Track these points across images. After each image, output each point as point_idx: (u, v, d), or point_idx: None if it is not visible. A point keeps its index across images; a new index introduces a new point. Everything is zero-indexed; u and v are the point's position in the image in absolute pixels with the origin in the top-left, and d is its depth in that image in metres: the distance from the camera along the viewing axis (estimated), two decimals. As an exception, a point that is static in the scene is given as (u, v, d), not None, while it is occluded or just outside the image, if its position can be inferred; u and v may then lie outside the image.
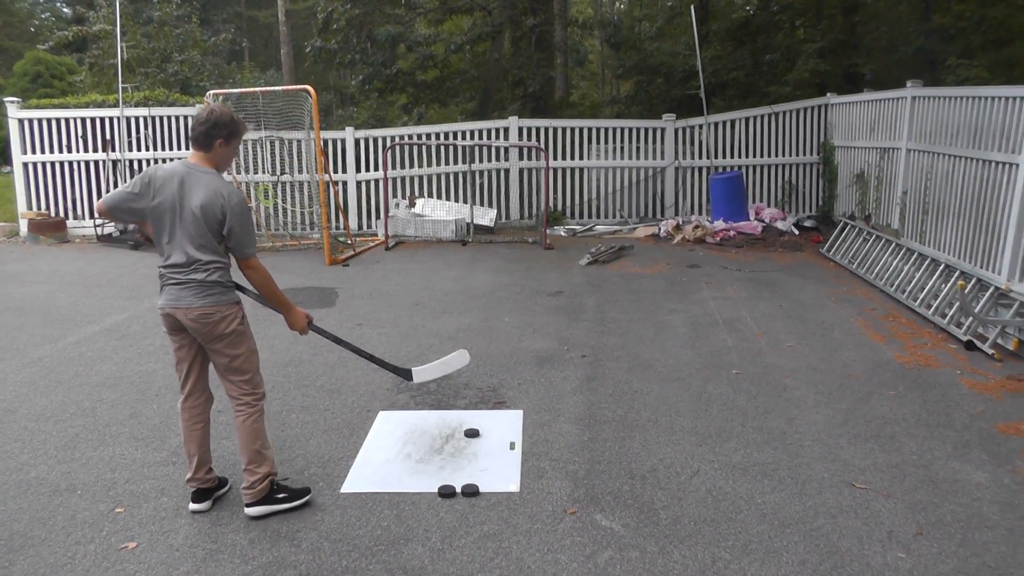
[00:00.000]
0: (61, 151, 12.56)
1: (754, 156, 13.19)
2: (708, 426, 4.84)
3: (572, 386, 5.58)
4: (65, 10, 40.40)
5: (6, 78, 32.47)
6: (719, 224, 11.94)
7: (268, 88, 11.13)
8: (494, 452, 4.56)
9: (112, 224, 11.99)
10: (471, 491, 4.05)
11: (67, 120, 12.52)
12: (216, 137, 3.74)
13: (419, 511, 3.87)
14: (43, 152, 12.55)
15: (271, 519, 3.81)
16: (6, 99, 12.89)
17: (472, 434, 4.76)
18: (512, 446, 4.62)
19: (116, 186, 12.43)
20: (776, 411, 5.06)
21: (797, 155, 13.03)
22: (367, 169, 13.00)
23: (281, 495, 3.91)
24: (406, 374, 4.72)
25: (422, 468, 4.38)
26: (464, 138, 13.05)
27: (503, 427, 4.90)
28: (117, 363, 6.28)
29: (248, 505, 3.84)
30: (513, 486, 4.11)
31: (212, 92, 10.98)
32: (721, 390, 5.46)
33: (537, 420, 4.98)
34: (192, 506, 3.96)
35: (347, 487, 4.16)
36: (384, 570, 3.38)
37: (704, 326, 7.07)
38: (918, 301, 7.40)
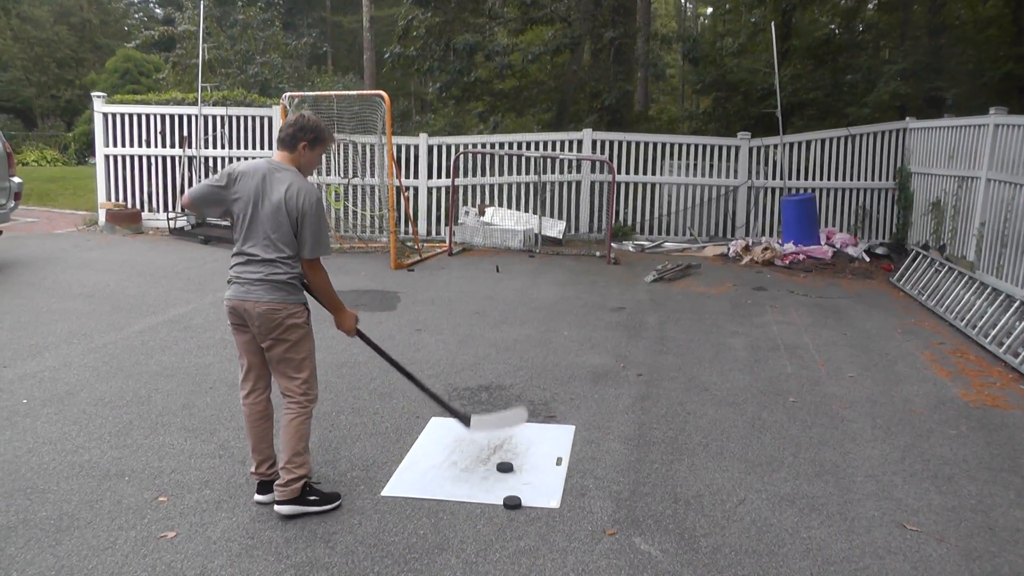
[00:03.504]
0: (141, 145, 12.93)
1: (829, 179, 12.88)
2: (759, 454, 4.71)
3: (625, 404, 5.50)
4: (157, 11, 41.76)
5: (98, 74, 33.68)
6: (789, 247, 11.70)
7: (343, 92, 11.30)
8: (540, 466, 4.50)
9: (185, 218, 12.29)
10: (513, 504, 4.01)
11: (148, 116, 12.89)
12: (300, 140, 3.86)
13: (457, 521, 3.85)
14: (124, 146, 12.94)
15: (309, 520, 3.82)
16: (93, 94, 13.33)
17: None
18: (559, 461, 4.56)
19: (191, 183, 12.76)
20: (831, 443, 4.91)
21: (872, 180, 12.69)
22: (439, 176, 13.06)
23: (312, 497, 3.92)
24: (465, 419, 4.54)
25: (466, 477, 4.35)
26: (537, 149, 13.03)
27: (553, 441, 4.85)
28: (177, 354, 6.40)
29: (279, 502, 3.86)
30: (554, 502, 4.06)
31: (288, 95, 11.17)
32: (776, 417, 5.31)
33: (586, 437, 4.91)
34: (256, 497, 4.03)
35: (388, 491, 4.16)
36: (415, 579, 3.36)
37: (765, 350, 6.91)
38: (989, 338, 7.11)
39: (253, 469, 4.04)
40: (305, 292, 3.94)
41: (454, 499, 4.07)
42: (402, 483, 4.27)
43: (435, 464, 4.51)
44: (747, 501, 4.11)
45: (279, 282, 3.78)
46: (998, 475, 4.53)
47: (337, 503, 3.98)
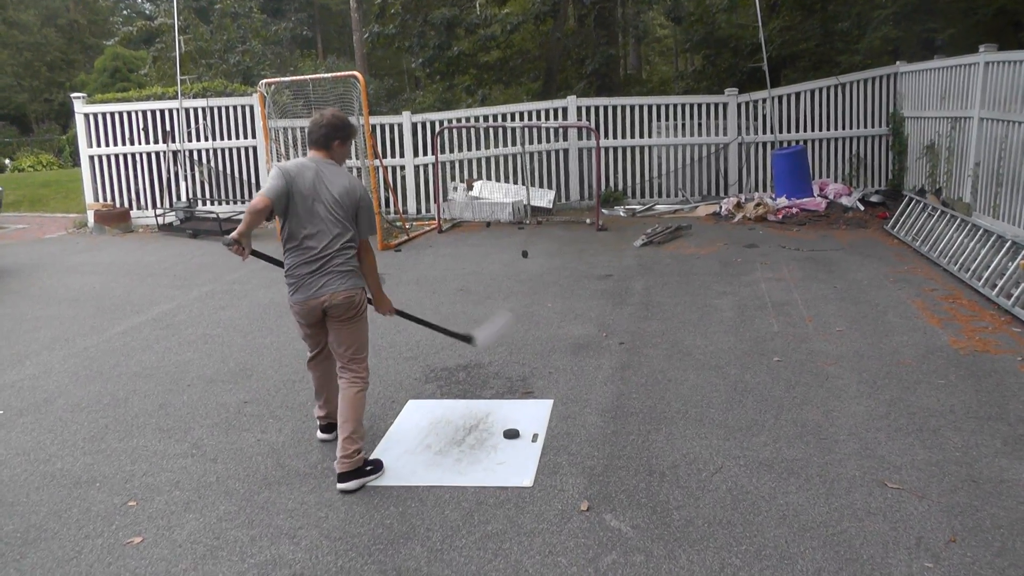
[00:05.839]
0: (124, 144, 12.82)
1: (820, 129, 12.65)
2: (739, 418, 4.60)
3: (605, 375, 5.39)
4: (147, 5, 41.47)
5: (88, 74, 33.54)
6: (781, 201, 11.52)
7: (317, 76, 11.13)
8: (515, 444, 4.42)
9: (172, 213, 12.20)
10: (512, 435, 4.47)
11: (129, 113, 12.76)
12: (334, 139, 4.12)
13: (425, 508, 3.76)
14: (107, 145, 12.83)
15: (276, 516, 3.75)
16: (73, 95, 13.22)
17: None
18: (535, 438, 4.47)
19: (176, 176, 12.68)
20: (814, 402, 4.79)
21: (865, 127, 12.45)
22: (426, 153, 12.90)
23: (369, 467, 4.06)
24: (469, 339, 5.02)
25: (439, 460, 4.27)
26: (522, 119, 12.84)
27: (530, 418, 4.75)
28: (157, 353, 6.33)
29: (344, 476, 3.94)
30: (526, 481, 3.97)
31: (264, 82, 11.04)
32: (759, 379, 5.19)
33: (563, 411, 4.81)
34: (321, 436, 4.55)
35: (358, 481, 4.08)
36: (378, 571, 3.28)
37: (751, 310, 6.78)
38: (982, 280, 6.94)
39: (322, 413, 4.55)
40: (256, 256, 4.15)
41: (424, 484, 3.99)
42: (373, 472, 4.19)
43: (408, 449, 4.42)
44: (724, 469, 4.00)
45: (349, 269, 4.15)
46: (985, 424, 4.40)
47: (382, 469, 4.12)
